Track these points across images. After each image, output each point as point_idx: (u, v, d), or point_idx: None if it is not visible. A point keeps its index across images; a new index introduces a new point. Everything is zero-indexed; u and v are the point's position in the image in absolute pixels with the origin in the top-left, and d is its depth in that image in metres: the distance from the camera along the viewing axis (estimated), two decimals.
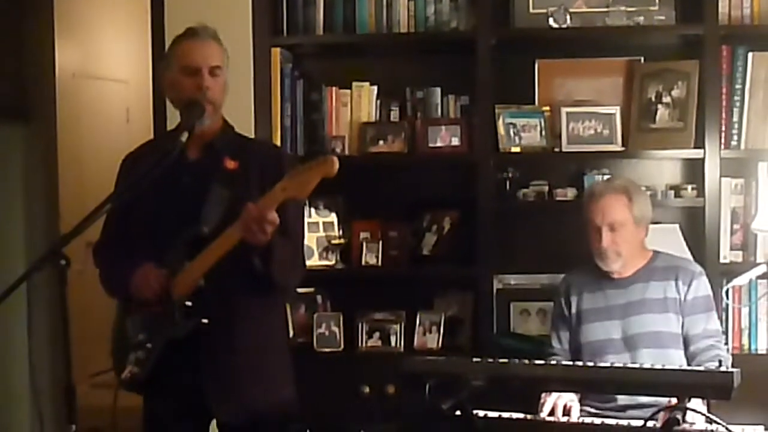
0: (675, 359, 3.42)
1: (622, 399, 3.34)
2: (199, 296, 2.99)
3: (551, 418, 3.16)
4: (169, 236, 3.01)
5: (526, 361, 2.88)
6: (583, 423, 3.05)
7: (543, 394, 3.24)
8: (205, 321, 2.99)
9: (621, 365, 2.97)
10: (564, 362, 3.46)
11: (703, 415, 2.72)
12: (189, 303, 2.99)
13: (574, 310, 3.60)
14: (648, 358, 3.40)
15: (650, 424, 2.76)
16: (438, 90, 4.31)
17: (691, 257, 3.90)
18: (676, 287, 3.50)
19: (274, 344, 3.20)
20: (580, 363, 3.46)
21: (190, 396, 3.04)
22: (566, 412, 3.18)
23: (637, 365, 3.17)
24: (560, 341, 3.63)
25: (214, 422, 3.14)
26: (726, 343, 3.74)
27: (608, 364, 3.17)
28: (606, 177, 4.13)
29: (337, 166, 2.79)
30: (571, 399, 3.20)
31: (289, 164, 3.19)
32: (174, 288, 2.99)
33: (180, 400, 3.06)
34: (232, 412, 3.05)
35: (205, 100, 3.04)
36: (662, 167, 4.28)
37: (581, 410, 3.41)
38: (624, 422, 2.93)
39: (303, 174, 2.83)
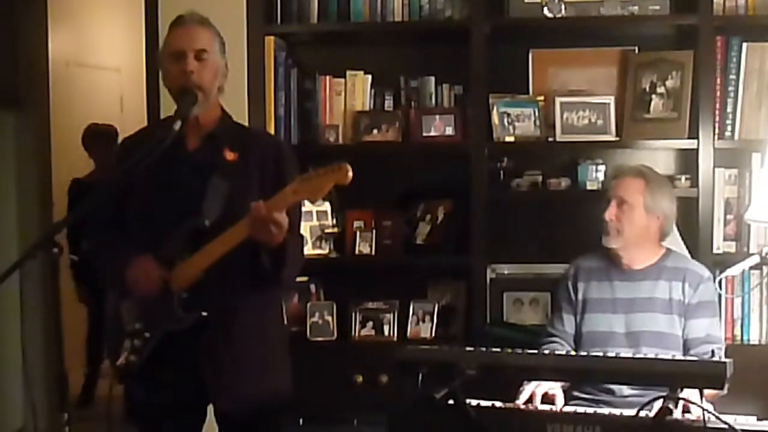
0: None
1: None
2: (197, 288, 2.98)
3: (531, 407, 3.14)
4: (168, 227, 2.99)
5: (519, 351, 2.88)
6: (575, 412, 3.04)
7: (524, 383, 3.18)
8: (204, 314, 2.98)
9: (613, 355, 2.97)
10: (558, 350, 3.46)
11: (693, 403, 2.71)
12: (185, 295, 2.98)
13: (580, 296, 3.57)
14: None
15: (643, 413, 2.77)
16: (432, 79, 4.29)
17: (684, 247, 3.91)
18: (682, 289, 3.48)
19: (272, 334, 3.20)
20: (573, 352, 3.47)
21: (187, 384, 3.04)
22: (549, 400, 3.16)
23: (629, 355, 3.17)
24: (563, 323, 3.58)
25: (211, 411, 3.15)
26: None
27: (601, 354, 3.17)
28: (600, 167, 4.14)
29: (351, 175, 2.80)
30: (551, 387, 3.17)
31: (288, 156, 3.19)
32: (173, 280, 2.97)
33: (177, 388, 3.06)
34: (230, 401, 3.05)
35: (191, 83, 3.01)
36: (656, 157, 4.27)
37: (576, 397, 3.41)
38: (617, 411, 2.92)
39: (316, 179, 2.82)
